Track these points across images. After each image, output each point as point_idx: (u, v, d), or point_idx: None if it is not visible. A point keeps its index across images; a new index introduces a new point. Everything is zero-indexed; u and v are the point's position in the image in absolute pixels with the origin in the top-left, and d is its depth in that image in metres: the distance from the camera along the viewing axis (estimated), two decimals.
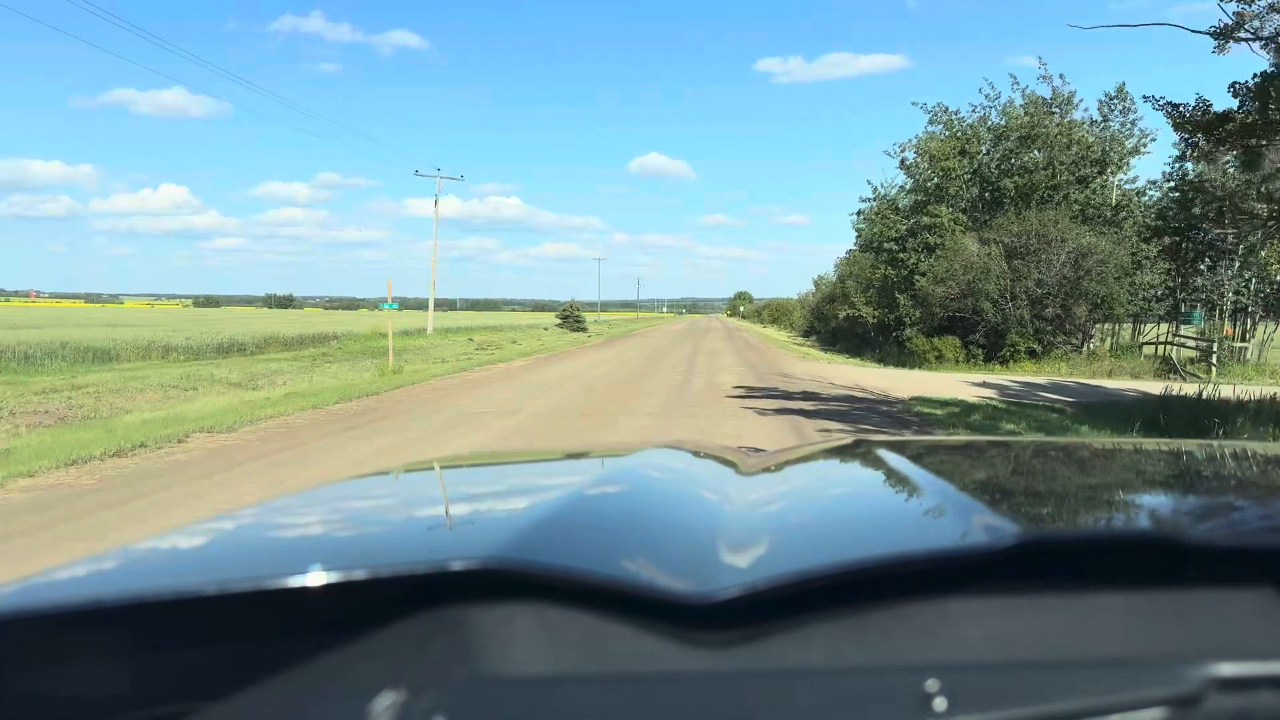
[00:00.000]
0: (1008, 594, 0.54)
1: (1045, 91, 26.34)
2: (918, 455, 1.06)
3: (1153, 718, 0.46)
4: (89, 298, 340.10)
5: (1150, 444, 1.41)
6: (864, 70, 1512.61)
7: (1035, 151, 26.32)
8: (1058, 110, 25.95)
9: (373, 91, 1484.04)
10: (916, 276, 26.57)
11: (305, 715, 0.50)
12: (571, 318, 63.45)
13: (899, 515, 0.79)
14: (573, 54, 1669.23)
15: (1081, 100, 25.98)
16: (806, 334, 54.50)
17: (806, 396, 13.92)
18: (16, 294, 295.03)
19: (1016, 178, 26.25)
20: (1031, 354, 23.17)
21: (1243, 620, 0.53)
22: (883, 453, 1.06)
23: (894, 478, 0.94)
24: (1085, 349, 24.14)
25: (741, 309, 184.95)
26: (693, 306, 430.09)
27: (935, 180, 29.55)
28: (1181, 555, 0.57)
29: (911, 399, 13.59)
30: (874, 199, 32.38)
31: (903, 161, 31.64)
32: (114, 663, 0.53)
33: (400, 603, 0.53)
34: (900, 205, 31.84)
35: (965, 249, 24.45)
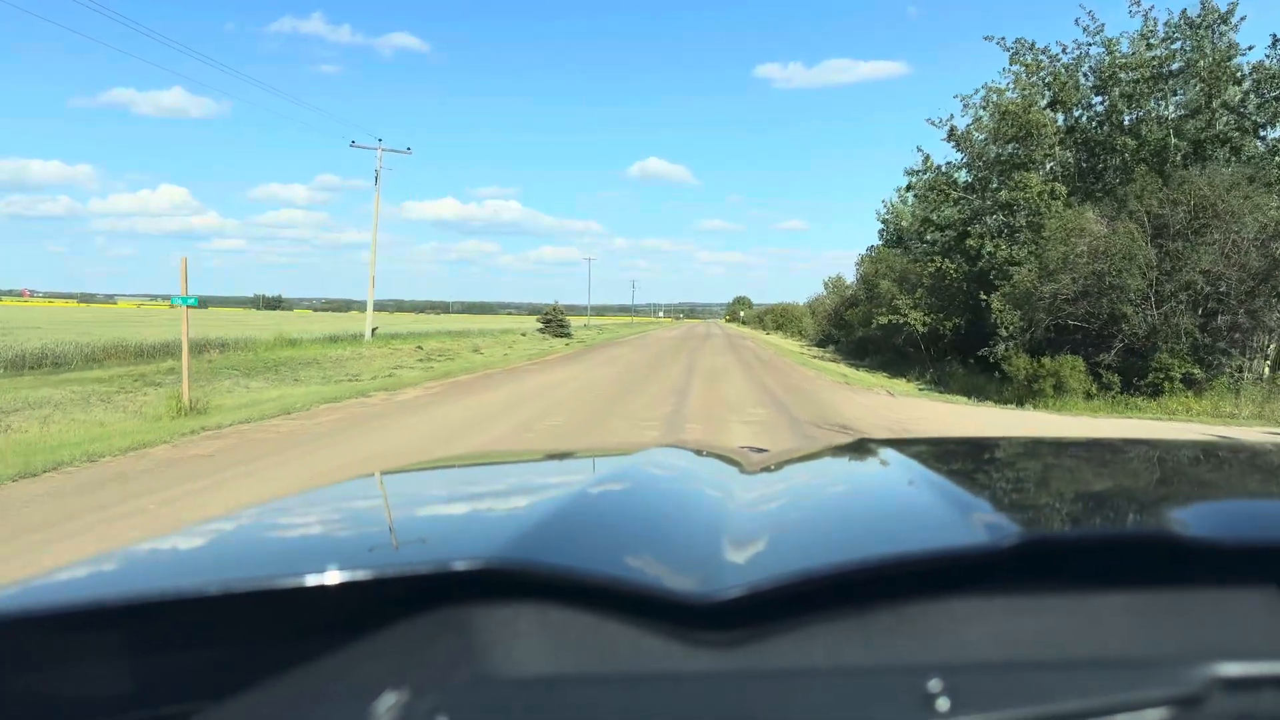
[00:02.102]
0: (1010, 594, 0.54)
1: (1189, 4, 18.73)
2: (921, 454, 1.04)
3: (1156, 718, 0.46)
4: (83, 298, 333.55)
5: (1153, 443, 1.25)
6: (864, 76, 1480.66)
7: (1174, 94, 18.67)
8: (1209, 31, 18.24)
9: (373, 93, 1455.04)
10: (1011, 269, 18.76)
11: (307, 716, 0.50)
12: (555, 322, 55.95)
13: (902, 514, 0.76)
14: (573, 58, 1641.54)
15: (1244, 19, 18.23)
16: (822, 344, 46.66)
17: None
18: (9, 293, 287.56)
19: (1159, 128, 18.54)
20: (1188, 381, 15.43)
21: (1246, 620, 0.53)
22: (886, 452, 1.04)
23: (897, 477, 0.92)
24: (1262, 374, 16.38)
25: (741, 314, 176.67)
26: (690, 311, 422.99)
27: (1007, 148, 21.93)
28: (1184, 555, 0.56)
29: None
30: (925, 170, 24.67)
31: (951, 131, 24.05)
32: (116, 663, 0.53)
33: (402, 603, 0.53)
34: (958, 180, 24.17)
35: (1086, 228, 16.74)
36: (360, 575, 0.54)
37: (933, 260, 24.25)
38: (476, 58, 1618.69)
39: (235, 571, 0.61)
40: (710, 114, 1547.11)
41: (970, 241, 21.74)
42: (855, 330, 36.38)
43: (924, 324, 24.76)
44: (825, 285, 63.57)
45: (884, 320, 25.51)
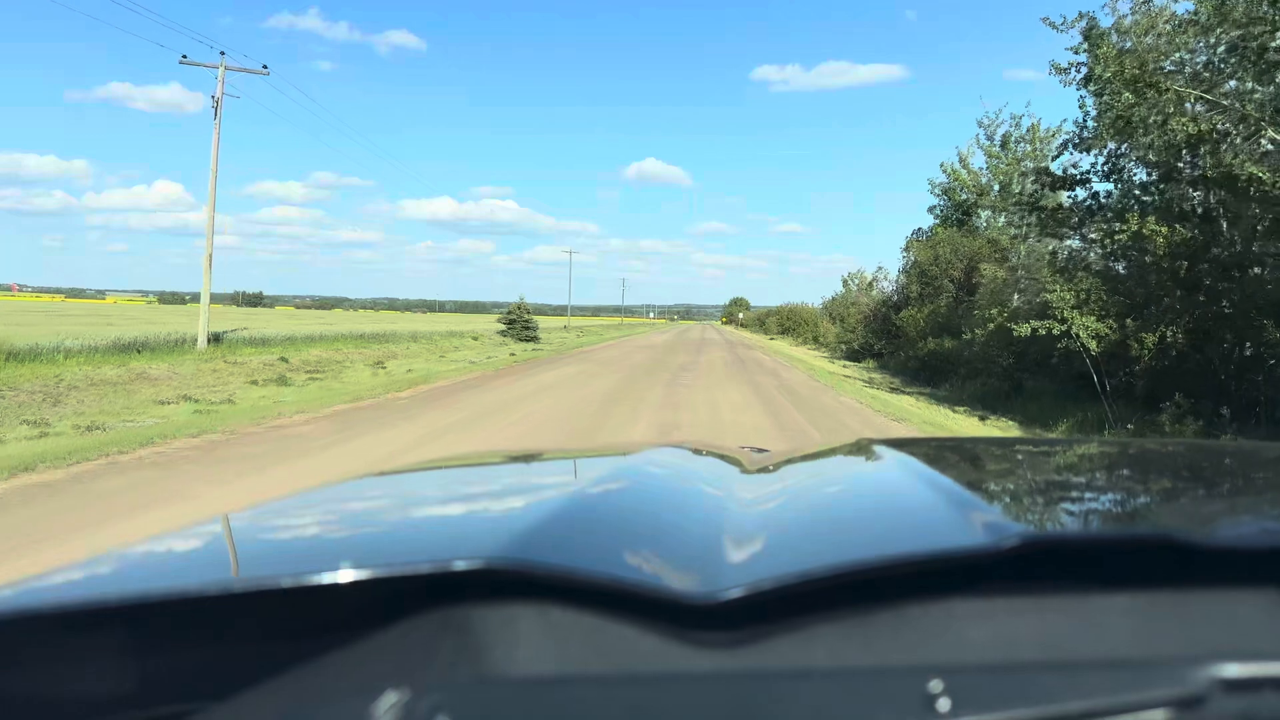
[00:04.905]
0: (1011, 594, 0.54)
1: None
2: (922, 455, 1.02)
3: (1157, 719, 0.46)
4: (72, 292, 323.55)
5: (1155, 444, 1.27)
6: (862, 80, 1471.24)
7: None
8: None
9: (369, 92, 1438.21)
10: None
11: (308, 715, 0.50)
12: (518, 324, 44.68)
13: (903, 515, 0.76)
14: (571, 58, 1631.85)
15: None
16: (856, 356, 35.44)
17: None
18: None
19: None
20: None
21: (1247, 621, 0.53)
22: (888, 452, 1.03)
23: (898, 477, 0.92)
24: None
25: (740, 316, 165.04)
26: (687, 313, 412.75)
27: (1234, 33, 11.04)
28: (1186, 556, 0.56)
29: None
30: (1099, 57, 13.62)
31: (1088, 32, 13.30)
32: (116, 663, 0.54)
33: (403, 603, 0.54)
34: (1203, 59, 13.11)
35: None
36: (361, 575, 0.54)
37: (1121, 224, 13.28)
38: (474, 58, 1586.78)
39: (234, 571, 0.60)
40: (707, 116, 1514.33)
41: (1253, 171, 10.71)
42: (918, 343, 25.31)
43: (1095, 336, 13.81)
44: (845, 282, 52.28)
45: (1024, 330, 14.43)
